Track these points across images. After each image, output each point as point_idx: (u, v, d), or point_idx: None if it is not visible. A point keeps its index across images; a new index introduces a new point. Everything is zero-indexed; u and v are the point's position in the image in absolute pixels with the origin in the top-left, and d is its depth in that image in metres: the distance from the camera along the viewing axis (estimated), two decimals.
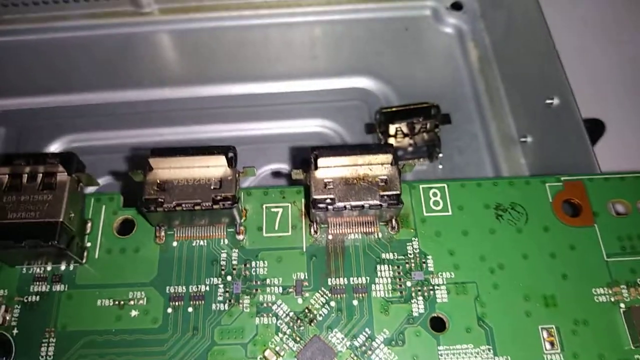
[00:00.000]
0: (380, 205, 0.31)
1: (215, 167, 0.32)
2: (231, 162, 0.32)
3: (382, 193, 0.31)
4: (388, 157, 0.32)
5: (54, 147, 0.50)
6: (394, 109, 0.47)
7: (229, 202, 0.31)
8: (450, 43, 0.55)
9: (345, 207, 0.31)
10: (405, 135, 0.47)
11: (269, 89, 0.53)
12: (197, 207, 0.31)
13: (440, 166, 0.48)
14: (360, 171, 0.32)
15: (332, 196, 0.31)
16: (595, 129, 0.48)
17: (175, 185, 0.31)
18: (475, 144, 0.49)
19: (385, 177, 0.32)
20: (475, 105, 0.51)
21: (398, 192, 0.31)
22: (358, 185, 0.32)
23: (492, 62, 0.53)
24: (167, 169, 0.32)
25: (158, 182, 0.31)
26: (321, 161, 0.32)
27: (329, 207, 0.31)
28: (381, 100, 0.52)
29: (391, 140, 0.48)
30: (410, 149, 0.48)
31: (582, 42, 0.54)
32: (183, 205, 0.31)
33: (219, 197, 0.31)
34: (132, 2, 0.55)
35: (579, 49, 0.53)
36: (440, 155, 0.48)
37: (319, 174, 0.32)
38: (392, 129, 0.47)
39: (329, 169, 0.32)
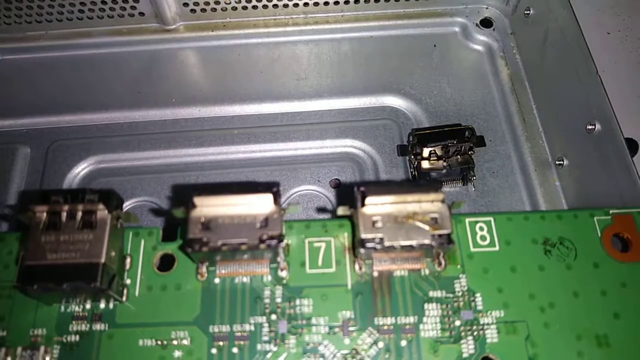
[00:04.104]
0: (431, 245, 0.30)
1: (259, 204, 0.31)
2: (277, 199, 0.31)
3: (433, 232, 0.30)
4: (439, 195, 0.31)
5: (81, 167, 0.49)
6: (427, 131, 0.46)
7: (276, 241, 0.30)
8: (480, 60, 0.55)
9: (394, 246, 0.30)
10: (439, 157, 0.47)
11: (296, 108, 0.52)
12: (243, 247, 0.30)
13: (473, 189, 0.47)
14: (409, 208, 0.31)
15: (380, 235, 0.30)
16: (628, 148, 0.47)
17: (220, 223, 0.31)
18: (508, 165, 0.49)
19: (435, 216, 0.31)
20: (507, 125, 0.50)
21: (449, 232, 0.30)
22: (407, 224, 0.31)
23: (524, 81, 0.52)
24: (211, 207, 0.31)
25: (202, 220, 0.31)
26: (369, 199, 0.31)
27: (378, 246, 0.30)
28: (411, 119, 0.51)
29: (425, 163, 0.47)
30: (444, 171, 0.47)
31: (610, 57, 0.53)
32: (228, 244, 0.30)
33: (265, 236, 0.30)
34: (157, 18, 0.54)
35: (605, 63, 0.52)
36: (474, 178, 0.47)
37: (366, 211, 0.31)
38: (425, 151, 0.46)
39: (376, 206, 0.31)
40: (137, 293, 0.33)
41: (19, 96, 0.53)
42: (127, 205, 0.47)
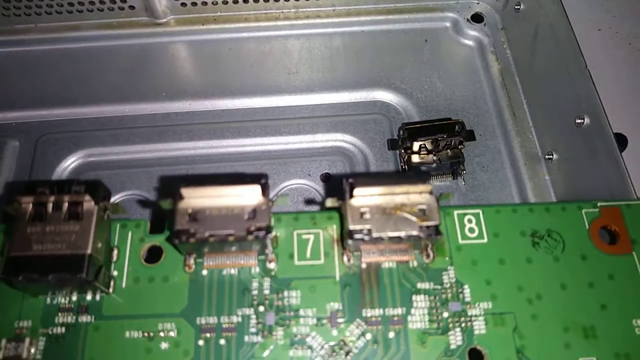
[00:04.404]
0: (419, 236, 0.30)
1: (247, 196, 0.31)
2: (264, 191, 0.31)
3: (421, 223, 0.30)
4: (427, 187, 0.31)
5: (70, 161, 0.49)
6: (417, 125, 0.46)
7: (263, 233, 0.30)
8: (471, 55, 0.55)
9: (382, 237, 0.30)
10: (429, 151, 0.46)
11: (288, 102, 0.52)
12: (230, 238, 0.30)
13: (463, 183, 0.47)
14: (397, 200, 0.31)
15: (368, 227, 0.30)
16: (617, 143, 0.47)
17: (207, 215, 0.30)
18: (498, 160, 0.49)
19: (424, 207, 0.31)
20: (498, 120, 0.51)
21: (437, 223, 0.30)
22: (395, 215, 0.31)
23: (514, 76, 0.52)
24: (198, 198, 0.31)
25: (189, 211, 0.30)
26: (357, 191, 0.31)
27: (366, 237, 0.30)
28: (402, 113, 0.51)
29: (415, 157, 0.47)
30: (434, 165, 0.47)
31: (600, 53, 0.54)
32: (216, 235, 0.30)
33: (252, 228, 0.30)
34: (148, 12, 0.54)
35: (595, 59, 0.52)
36: (464, 172, 0.47)
37: (354, 203, 0.31)
38: (415, 145, 0.46)
39: (365, 197, 0.31)
40: (124, 285, 0.32)
41: (7, 89, 0.53)
42: (116, 198, 0.47)
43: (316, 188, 0.48)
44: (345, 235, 0.31)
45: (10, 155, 0.49)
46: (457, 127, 0.46)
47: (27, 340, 0.31)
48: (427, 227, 0.30)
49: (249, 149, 0.50)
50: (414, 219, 0.30)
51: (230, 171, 0.48)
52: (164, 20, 0.55)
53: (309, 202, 0.46)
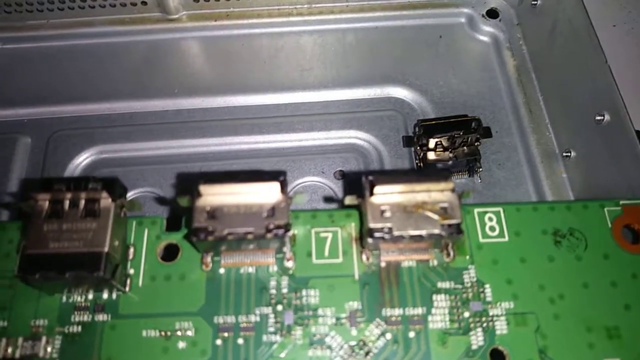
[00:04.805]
0: (441, 234, 0.30)
1: (266, 193, 0.30)
2: (283, 188, 0.30)
3: (442, 222, 0.30)
4: (449, 184, 0.30)
5: (82, 158, 0.49)
6: (433, 122, 0.46)
7: (283, 230, 0.30)
8: (486, 51, 0.54)
9: (403, 236, 0.30)
10: (445, 149, 0.46)
11: (301, 99, 0.51)
12: (249, 236, 0.29)
13: (479, 180, 0.47)
14: (418, 197, 0.31)
15: (389, 225, 0.30)
16: None
17: (226, 212, 0.30)
18: (514, 157, 0.48)
19: (445, 205, 0.30)
20: (514, 117, 0.50)
21: (459, 221, 0.30)
22: (416, 213, 0.30)
23: (530, 72, 0.52)
24: (217, 195, 0.30)
25: (207, 209, 0.30)
26: (377, 188, 0.30)
27: (386, 236, 0.30)
28: (416, 110, 0.51)
29: (431, 154, 0.46)
30: (450, 162, 0.46)
31: (615, 49, 0.53)
32: (235, 233, 0.29)
33: (272, 226, 0.30)
34: (160, 8, 0.54)
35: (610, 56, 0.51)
36: (480, 169, 0.46)
37: (374, 200, 0.31)
38: (432, 142, 0.45)
39: (385, 195, 0.31)
40: (140, 283, 0.32)
41: (19, 85, 0.52)
42: (129, 196, 0.46)
43: (330, 185, 0.47)
44: (365, 233, 0.31)
45: (22, 152, 0.49)
46: (473, 124, 0.45)
47: (44, 339, 0.30)
48: (449, 225, 0.30)
49: (262, 146, 0.49)
50: (435, 217, 0.30)
51: (243, 168, 0.47)
52: (177, 16, 0.55)
53: (324, 199, 0.46)
